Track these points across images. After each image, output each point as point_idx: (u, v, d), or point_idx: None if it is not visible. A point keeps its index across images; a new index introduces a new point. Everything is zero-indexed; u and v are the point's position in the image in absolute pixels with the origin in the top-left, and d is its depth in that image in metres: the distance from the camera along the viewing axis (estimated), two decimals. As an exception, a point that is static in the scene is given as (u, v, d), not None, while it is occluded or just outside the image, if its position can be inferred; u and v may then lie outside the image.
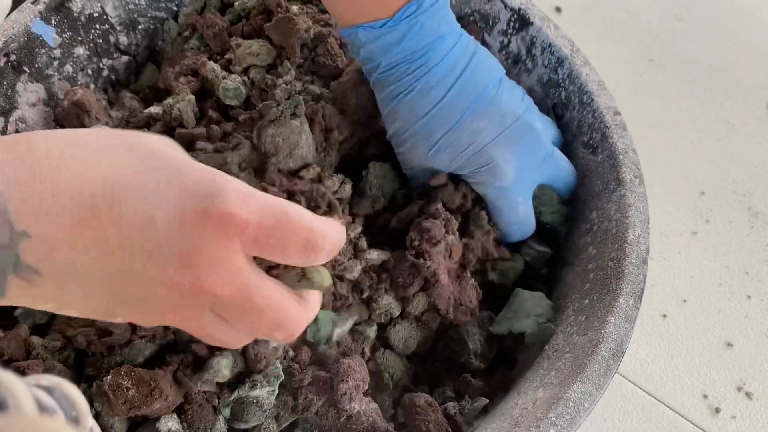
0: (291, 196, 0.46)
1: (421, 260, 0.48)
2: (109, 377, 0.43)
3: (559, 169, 0.56)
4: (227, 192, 0.33)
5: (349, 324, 0.49)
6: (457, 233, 0.52)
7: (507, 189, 0.53)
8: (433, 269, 0.48)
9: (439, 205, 0.51)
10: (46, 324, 0.49)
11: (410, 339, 0.52)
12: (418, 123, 0.51)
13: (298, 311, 0.36)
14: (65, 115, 0.57)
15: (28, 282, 0.31)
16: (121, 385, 0.43)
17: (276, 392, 0.46)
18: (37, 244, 0.30)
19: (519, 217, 0.55)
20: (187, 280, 0.32)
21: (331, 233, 0.36)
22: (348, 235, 0.49)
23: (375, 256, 0.50)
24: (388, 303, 0.50)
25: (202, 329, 0.36)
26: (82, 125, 0.57)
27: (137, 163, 0.33)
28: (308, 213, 0.35)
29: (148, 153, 0.33)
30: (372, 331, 0.51)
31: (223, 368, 0.45)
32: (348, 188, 0.52)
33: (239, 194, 0.33)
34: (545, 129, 0.55)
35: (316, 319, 0.47)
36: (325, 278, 0.37)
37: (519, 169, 0.53)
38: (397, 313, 0.51)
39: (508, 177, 0.53)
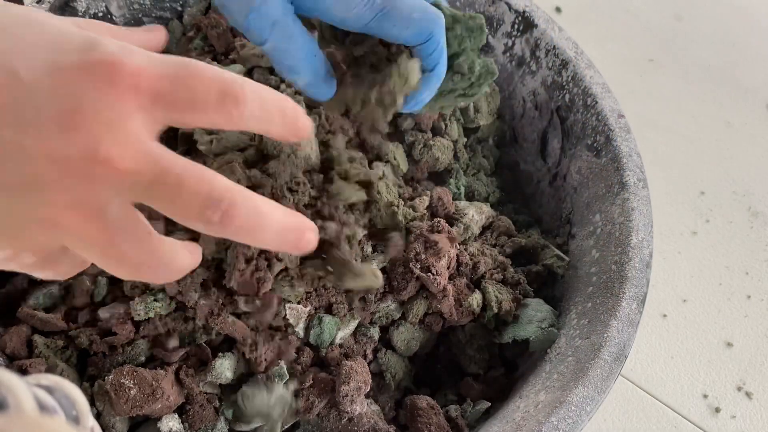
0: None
1: (429, 275, 0.48)
2: (111, 377, 0.43)
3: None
4: (108, 43, 0.27)
5: (351, 327, 0.49)
6: (457, 245, 0.52)
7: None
8: (443, 285, 0.48)
9: (441, 220, 0.51)
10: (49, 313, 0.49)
11: (412, 341, 0.52)
12: None
13: (227, 182, 0.28)
14: None
15: None
16: (123, 384, 0.43)
17: (290, 400, 0.47)
18: None
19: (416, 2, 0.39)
20: (75, 148, 0.26)
21: (249, 83, 0.29)
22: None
23: (376, 261, 0.50)
24: (387, 306, 0.50)
25: (105, 233, 0.27)
26: None
27: (2, 15, 0.27)
28: (215, 67, 0.29)
29: (18, 11, 0.27)
30: (375, 332, 0.51)
31: (226, 370, 0.45)
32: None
33: (120, 45, 0.27)
34: None
35: (320, 323, 0.46)
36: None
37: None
38: (398, 316, 0.51)
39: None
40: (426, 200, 0.53)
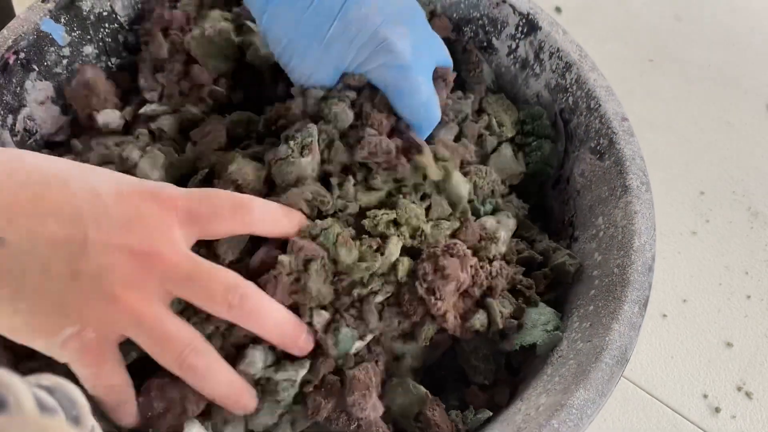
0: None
1: (432, 298, 0.48)
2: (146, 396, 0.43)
3: (444, 55, 0.56)
4: (156, 182, 0.40)
5: (368, 338, 0.49)
6: (469, 269, 0.51)
7: (407, 68, 0.51)
8: (443, 311, 0.48)
9: (459, 243, 0.50)
10: None
11: (419, 357, 0.52)
12: (303, 16, 0.49)
13: (245, 281, 0.40)
14: (73, 93, 0.57)
15: None
16: (154, 407, 0.43)
17: (296, 385, 0.46)
18: (2, 213, 0.35)
19: (422, 97, 0.52)
20: (134, 240, 0.36)
21: (257, 199, 0.42)
22: None
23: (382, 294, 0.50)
24: (396, 325, 0.50)
25: (151, 312, 0.38)
26: (90, 105, 0.57)
27: (79, 164, 0.40)
28: (234, 193, 0.42)
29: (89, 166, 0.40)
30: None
31: (258, 360, 0.45)
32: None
33: (159, 183, 0.40)
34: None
35: (337, 334, 0.47)
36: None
37: (414, 46, 0.51)
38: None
39: (406, 54, 0.50)
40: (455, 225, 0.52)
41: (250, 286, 0.40)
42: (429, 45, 0.53)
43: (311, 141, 0.50)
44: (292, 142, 0.50)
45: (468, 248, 0.50)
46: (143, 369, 0.44)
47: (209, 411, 0.45)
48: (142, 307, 0.37)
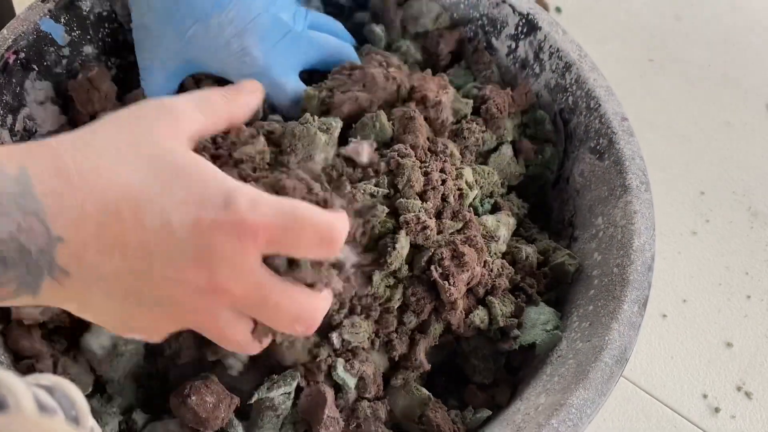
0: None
1: (446, 283, 0.48)
2: (194, 397, 0.44)
3: (322, 46, 0.58)
4: (238, 200, 0.35)
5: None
6: (482, 264, 0.51)
7: (264, 71, 0.54)
8: (454, 298, 0.48)
9: (478, 236, 0.51)
10: None
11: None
12: (172, 7, 0.52)
13: (315, 301, 0.40)
14: (77, 87, 0.57)
15: (59, 283, 0.34)
16: (206, 402, 0.44)
17: (292, 396, 0.46)
18: (69, 247, 0.34)
19: (289, 95, 0.55)
20: (203, 279, 0.35)
21: (340, 225, 0.39)
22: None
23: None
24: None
25: (217, 329, 0.38)
26: (90, 101, 0.57)
27: (156, 174, 0.36)
28: (316, 209, 0.38)
29: (165, 163, 0.36)
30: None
31: (234, 367, 0.47)
32: None
33: (249, 200, 0.36)
34: (298, 17, 0.57)
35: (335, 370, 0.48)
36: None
37: (269, 52, 0.54)
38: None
39: (260, 61, 0.53)
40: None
41: (318, 317, 0.40)
42: (284, 45, 0.55)
43: (334, 126, 0.50)
44: (315, 116, 0.51)
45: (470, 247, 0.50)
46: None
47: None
48: (206, 325, 0.39)
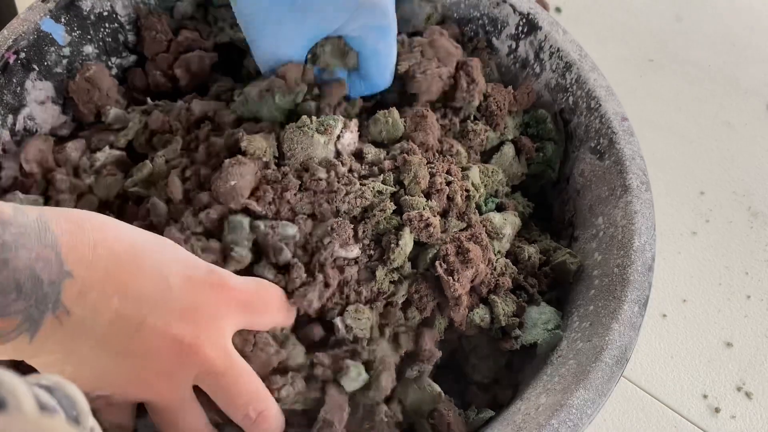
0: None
1: (450, 279, 0.48)
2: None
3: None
4: (218, 269, 0.42)
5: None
6: (486, 263, 0.51)
7: (388, 28, 0.50)
8: (459, 294, 0.48)
9: (483, 233, 0.51)
10: None
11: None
12: None
13: (268, 393, 0.43)
14: (76, 89, 0.57)
15: (59, 321, 0.36)
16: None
17: None
18: (76, 284, 0.36)
19: (393, 59, 0.53)
20: (187, 335, 0.38)
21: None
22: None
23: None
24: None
25: (174, 411, 0.41)
26: (92, 101, 0.57)
27: (153, 238, 0.41)
28: (276, 288, 0.45)
29: (155, 237, 0.41)
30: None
31: None
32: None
33: (227, 272, 0.42)
34: None
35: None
36: None
37: (392, 5, 0.50)
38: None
39: (389, 14, 0.49)
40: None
41: (272, 407, 0.42)
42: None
43: (333, 125, 0.50)
44: (313, 117, 0.50)
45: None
46: None
47: None
48: (169, 394, 0.40)
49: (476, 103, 0.57)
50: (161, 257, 0.39)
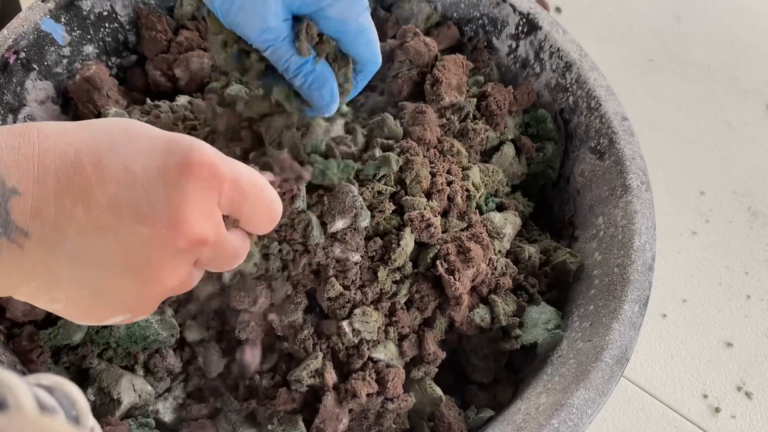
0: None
1: (451, 278, 0.48)
2: None
3: None
4: (203, 146, 0.34)
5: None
6: (488, 262, 0.51)
7: (364, 3, 0.47)
8: (459, 293, 0.48)
9: (484, 233, 0.51)
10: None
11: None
12: None
13: (245, 248, 0.40)
14: (75, 89, 0.57)
15: (18, 245, 0.32)
16: None
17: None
18: (26, 202, 0.31)
19: (375, 33, 0.50)
20: (182, 236, 0.34)
21: (280, 209, 0.40)
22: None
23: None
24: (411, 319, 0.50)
25: (188, 283, 0.38)
26: (92, 101, 0.57)
27: (118, 129, 0.34)
28: (271, 188, 0.39)
29: (128, 123, 0.35)
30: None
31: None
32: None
33: (213, 150, 0.35)
34: None
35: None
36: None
37: None
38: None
39: None
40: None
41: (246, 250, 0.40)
42: None
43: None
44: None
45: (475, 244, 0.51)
46: None
47: None
48: (178, 280, 0.36)
49: (446, 100, 0.57)
50: (125, 151, 0.33)
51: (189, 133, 0.52)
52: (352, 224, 0.47)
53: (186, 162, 0.33)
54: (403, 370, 0.49)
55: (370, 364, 0.48)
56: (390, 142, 0.52)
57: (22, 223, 0.32)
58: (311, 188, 0.48)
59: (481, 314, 0.50)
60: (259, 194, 0.37)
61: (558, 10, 1.02)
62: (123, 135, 0.34)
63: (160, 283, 0.35)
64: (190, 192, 0.34)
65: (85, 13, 0.58)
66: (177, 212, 0.33)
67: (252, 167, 0.42)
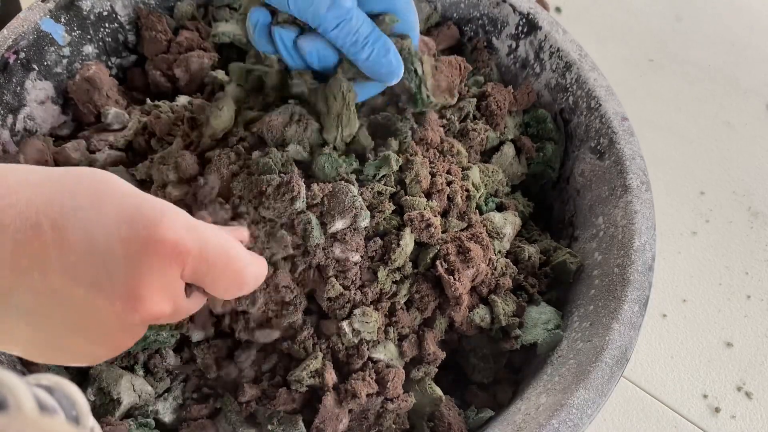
0: None
1: (451, 278, 0.48)
2: None
3: None
4: (170, 218, 0.33)
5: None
6: (488, 262, 0.52)
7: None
8: (459, 293, 0.48)
9: (483, 233, 0.51)
10: None
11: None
12: None
13: (199, 306, 0.39)
14: (75, 89, 0.57)
15: None
16: None
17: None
18: None
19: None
20: (137, 314, 0.33)
21: (258, 272, 0.39)
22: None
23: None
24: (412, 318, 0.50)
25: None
26: (92, 101, 0.57)
27: (85, 189, 0.32)
28: (245, 252, 0.37)
29: (97, 182, 0.33)
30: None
31: None
32: None
33: (182, 222, 0.33)
34: None
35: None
36: None
37: None
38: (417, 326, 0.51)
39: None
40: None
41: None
42: None
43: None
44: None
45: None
46: None
47: None
48: (133, 340, 0.36)
49: (433, 102, 0.56)
50: (88, 215, 0.31)
51: (190, 134, 0.52)
52: (351, 224, 0.47)
53: (149, 238, 0.32)
54: (403, 371, 0.49)
55: (370, 364, 0.48)
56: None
57: None
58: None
59: (481, 314, 0.50)
60: (226, 263, 0.36)
61: (558, 10, 1.02)
62: (88, 197, 0.32)
63: (114, 345, 0.35)
64: (150, 269, 0.32)
65: (85, 13, 0.58)
66: (134, 290, 0.32)
67: (239, 224, 0.43)
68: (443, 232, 0.50)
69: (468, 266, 0.48)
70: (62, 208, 0.31)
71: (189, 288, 0.37)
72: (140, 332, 0.35)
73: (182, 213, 0.34)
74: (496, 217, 0.54)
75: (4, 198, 0.30)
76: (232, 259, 0.36)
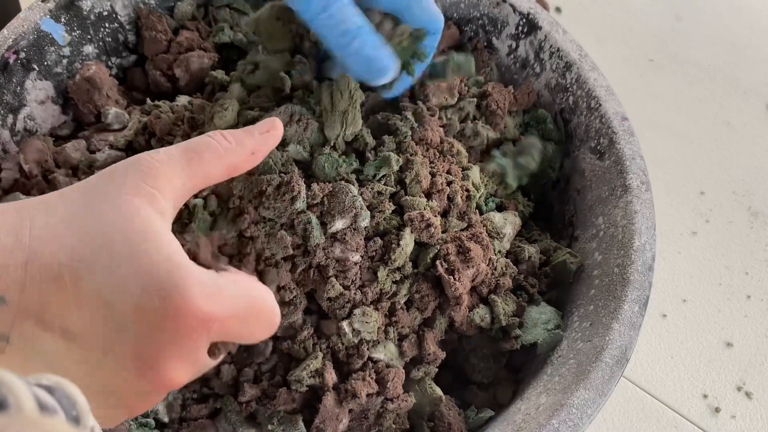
0: None
1: (451, 278, 0.48)
2: None
3: None
4: (188, 288, 0.31)
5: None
6: (488, 262, 0.52)
7: None
8: (459, 293, 0.48)
9: (483, 233, 0.51)
10: None
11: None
12: None
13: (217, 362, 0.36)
14: (75, 89, 0.57)
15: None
16: None
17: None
18: (10, 310, 0.30)
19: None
20: (153, 383, 0.31)
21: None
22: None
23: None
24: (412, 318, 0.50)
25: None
26: (92, 101, 0.57)
27: (105, 243, 0.31)
28: (264, 291, 0.35)
29: (118, 232, 0.31)
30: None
31: None
32: None
33: (203, 288, 0.31)
34: None
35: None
36: None
37: None
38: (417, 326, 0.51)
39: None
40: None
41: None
42: None
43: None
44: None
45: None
46: None
47: None
48: (150, 406, 0.34)
49: (434, 101, 0.56)
50: (102, 277, 0.30)
51: (191, 134, 0.52)
52: (352, 224, 0.47)
53: (165, 310, 0.30)
54: (403, 370, 0.49)
55: (370, 364, 0.48)
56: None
57: (3, 329, 0.30)
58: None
59: (481, 314, 0.50)
60: (258, 314, 0.34)
61: (558, 10, 1.02)
62: (107, 253, 0.30)
63: (127, 410, 0.33)
64: (167, 342, 0.31)
65: (85, 13, 0.58)
66: (149, 362, 0.31)
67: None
68: (443, 232, 0.50)
69: (468, 266, 0.49)
70: (81, 261, 0.30)
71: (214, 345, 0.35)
72: (157, 400, 0.33)
73: (198, 270, 0.32)
74: (496, 217, 0.54)
75: (32, 245, 0.30)
76: (260, 308, 0.34)
